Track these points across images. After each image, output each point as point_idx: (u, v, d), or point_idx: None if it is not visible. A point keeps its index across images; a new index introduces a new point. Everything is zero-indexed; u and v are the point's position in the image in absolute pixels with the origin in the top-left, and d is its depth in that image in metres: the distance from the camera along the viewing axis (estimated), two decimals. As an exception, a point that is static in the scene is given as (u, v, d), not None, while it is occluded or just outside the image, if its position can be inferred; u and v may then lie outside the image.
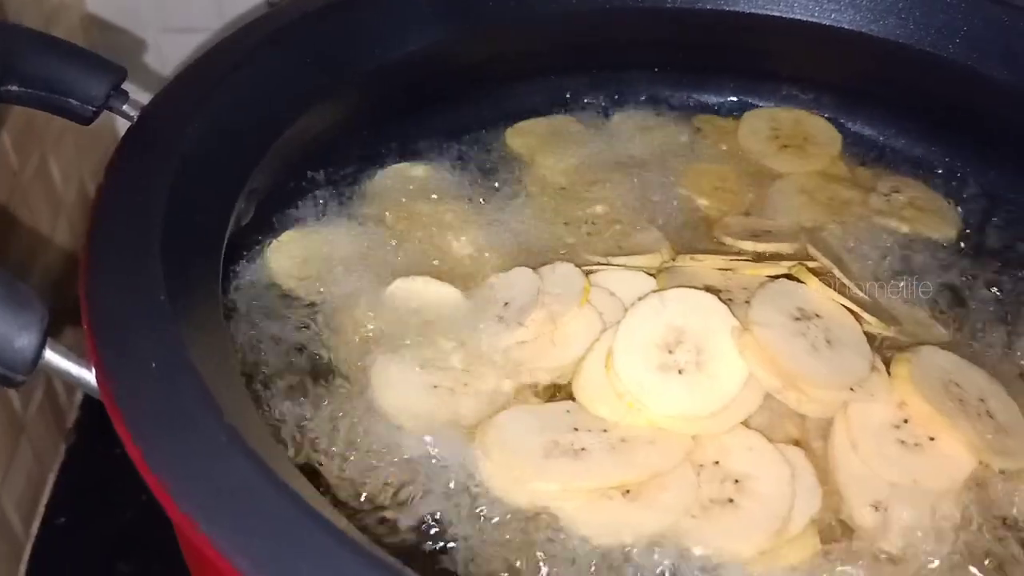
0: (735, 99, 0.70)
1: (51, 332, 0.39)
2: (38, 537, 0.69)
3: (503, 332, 0.50)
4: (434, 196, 0.60)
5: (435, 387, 0.48)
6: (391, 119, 0.63)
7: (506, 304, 0.52)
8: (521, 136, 0.66)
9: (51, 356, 0.38)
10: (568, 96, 0.69)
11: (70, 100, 0.48)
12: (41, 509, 0.71)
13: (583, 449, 0.45)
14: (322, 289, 0.53)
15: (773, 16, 0.66)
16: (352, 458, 0.45)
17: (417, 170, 0.62)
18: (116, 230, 0.43)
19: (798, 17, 0.66)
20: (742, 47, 0.69)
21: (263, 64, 0.54)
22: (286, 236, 0.55)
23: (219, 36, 0.81)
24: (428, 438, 0.46)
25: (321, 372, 0.49)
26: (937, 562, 0.43)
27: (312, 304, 0.52)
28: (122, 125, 0.50)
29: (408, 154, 0.63)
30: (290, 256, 0.54)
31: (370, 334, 0.51)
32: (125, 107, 0.50)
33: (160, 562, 0.68)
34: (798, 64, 0.69)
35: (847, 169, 0.65)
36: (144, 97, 0.51)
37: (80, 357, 0.39)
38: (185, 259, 0.44)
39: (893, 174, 0.64)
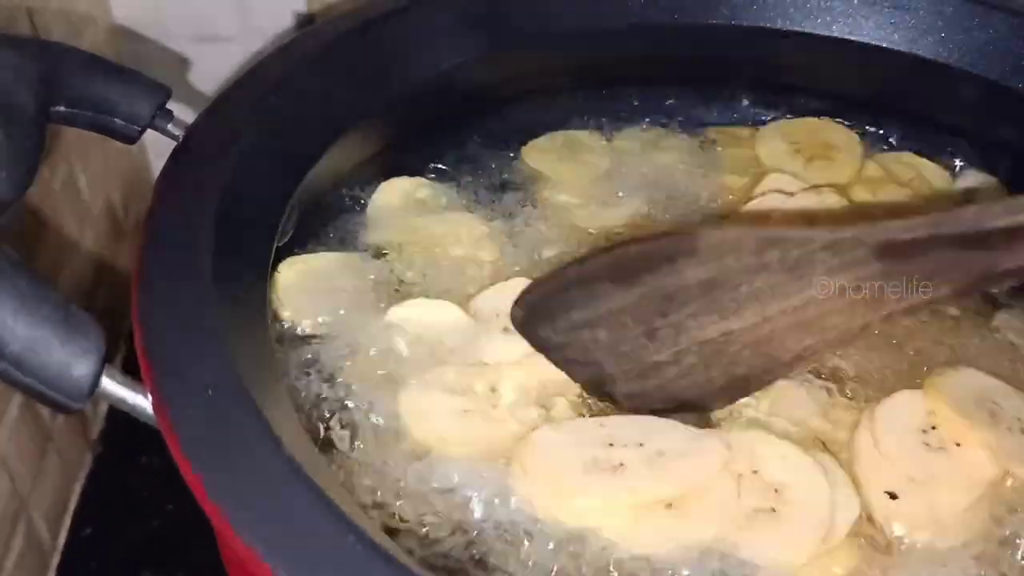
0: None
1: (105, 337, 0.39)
2: (65, 547, 0.70)
3: (511, 344, 0.51)
4: (446, 213, 0.60)
5: (465, 411, 0.49)
6: (416, 137, 0.63)
7: (498, 315, 0.52)
8: (538, 152, 0.66)
9: (108, 384, 0.39)
10: (581, 113, 0.69)
11: (115, 120, 0.48)
12: (68, 520, 0.71)
13: (621, 464, 0.45)
14: (329, 319, 0.52)
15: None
16: (399, 495, 0.45)
17: (426, 188, 0.62)
18: (166, 254, 0.44)
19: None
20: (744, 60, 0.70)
21: (302, 84, 0.55)
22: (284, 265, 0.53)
23: (245, 45, 0.82)
24: (468, 464, 0.46)
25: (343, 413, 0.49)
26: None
27: (319, 336, 0.52)
28: (150, 138, 0.50)
29: (420, 171, 0.63)
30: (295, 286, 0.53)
31: (384, 364, 0.50)
32: (170, 126, 0.50)
33: (186, 570, 0.69)
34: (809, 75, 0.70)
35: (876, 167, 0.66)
36: (176, 108, 0.51)
37: (135, 383, 0.40)
38: (234, 281, 0.45)
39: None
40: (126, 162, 0.83)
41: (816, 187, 0.63)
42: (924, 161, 0.67)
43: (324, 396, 0.49)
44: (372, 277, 0.55)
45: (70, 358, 0.37)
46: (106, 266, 0.78)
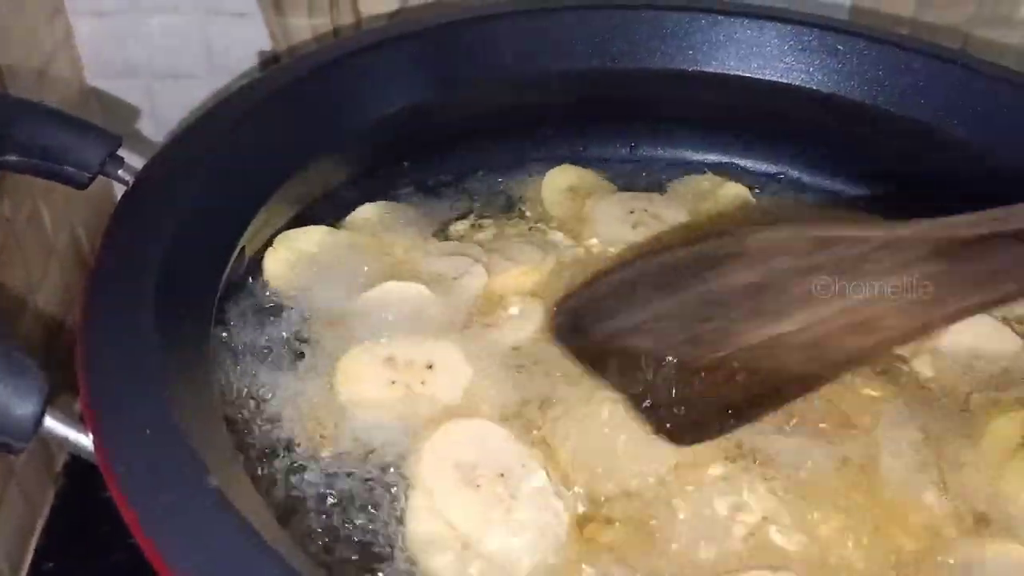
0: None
1: (48, 377, 0.42)
2: (27, 582, 0.72)
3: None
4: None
5: (392, 383, 0.54)
6: (373, 174, 0.68)
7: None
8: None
9: (51, 423, 0.42)
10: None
11: (66, 168, 0.51)
12: (30, 554, 0.73)
13: (479, 486, 0.49)
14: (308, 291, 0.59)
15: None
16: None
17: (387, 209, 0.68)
18: (111, 300, 0.47)
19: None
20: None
21: (253, 128, 0.58)
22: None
23: (211, 83, 0.86)
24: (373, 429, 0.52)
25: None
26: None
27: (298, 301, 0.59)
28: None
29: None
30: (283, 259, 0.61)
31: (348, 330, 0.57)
32: (120, 172, 0.53)
33: (146, 604, 0.71)
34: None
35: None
36: (140, 146, 0.54)
37: (78, 421, 0.43)
38: (178, 324, 0.48)
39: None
40: (90, 197, 0.86)
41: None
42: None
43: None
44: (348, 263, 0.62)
45: (11, 399, 0.40)
46: (72, 299, 0.81)
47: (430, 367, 0.55)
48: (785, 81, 0.68)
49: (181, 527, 0.39)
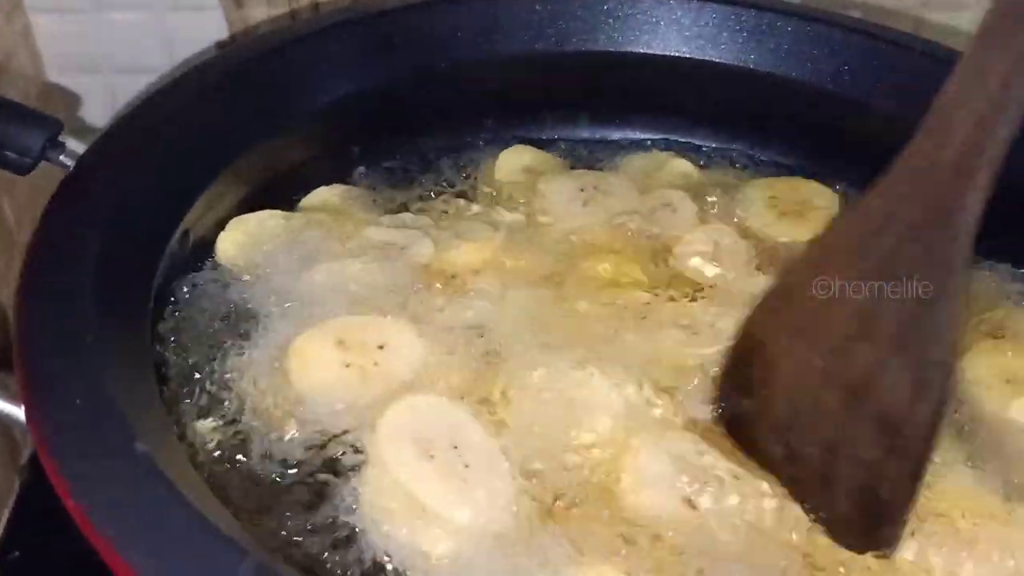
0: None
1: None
2: (-9, 573, 0.74)
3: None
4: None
5: (347, 365, 0.55)
6: (326, 157, 0.70)
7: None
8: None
9: (-17, 397, 0.44)
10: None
11: (7, 153, 0.53)
12: (-5, 545, 0.75)
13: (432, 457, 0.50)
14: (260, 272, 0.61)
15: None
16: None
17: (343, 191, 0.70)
18: (48, 277, 0.49)
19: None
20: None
21: (198, 111, 0.60)
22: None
23: (172, 76, 0.88)
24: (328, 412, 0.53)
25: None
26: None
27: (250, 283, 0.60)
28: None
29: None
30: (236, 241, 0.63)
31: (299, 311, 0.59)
32: (62, 158, 0.55)
33: (111, 593, 0.73)
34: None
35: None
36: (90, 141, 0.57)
37: (15, 397, 0.45)
38: (115, 302, 0.50)
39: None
40: (52, 190, 0.88)
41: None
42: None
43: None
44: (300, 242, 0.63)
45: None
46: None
47: (382, 347, 0.57)
48: (726, 61, 0.71)
49: (109, 492, 0.41)
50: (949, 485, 0.52)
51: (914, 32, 0.80)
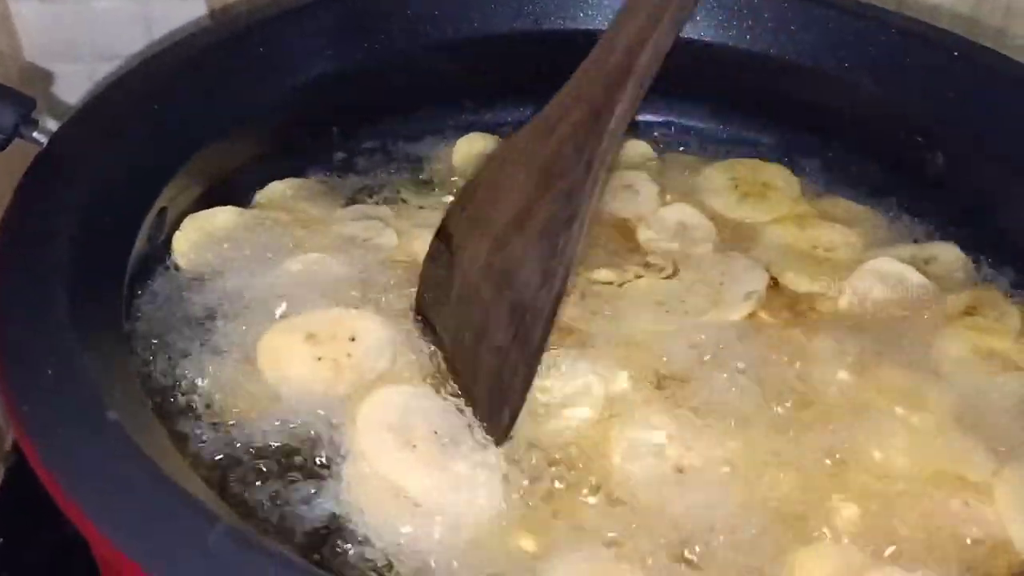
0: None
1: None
2: (-24, 559, 0.74)
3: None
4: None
5: (319, 359, 0.55)
6: (280, 152, 0.70)
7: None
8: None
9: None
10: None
11: (-22, 129, 0.53)
12: (-21, 531, 0.75)
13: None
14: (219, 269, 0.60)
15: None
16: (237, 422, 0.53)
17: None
18: (21, 251, 0.49)
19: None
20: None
21: (171, 92, 0.60)
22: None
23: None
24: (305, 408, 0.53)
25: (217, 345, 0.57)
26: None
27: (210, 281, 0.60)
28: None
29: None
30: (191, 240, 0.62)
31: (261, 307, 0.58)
32: (35, 134, 0.55)
33: (97, 577, 0.73)
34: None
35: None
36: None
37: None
38: (88, 278, 0.50)
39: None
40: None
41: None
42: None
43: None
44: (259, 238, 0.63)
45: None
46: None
47: (353, 339, 0.57)
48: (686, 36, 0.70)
49: (80, 459, 0.41)
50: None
51: (896, 9, 0.81)
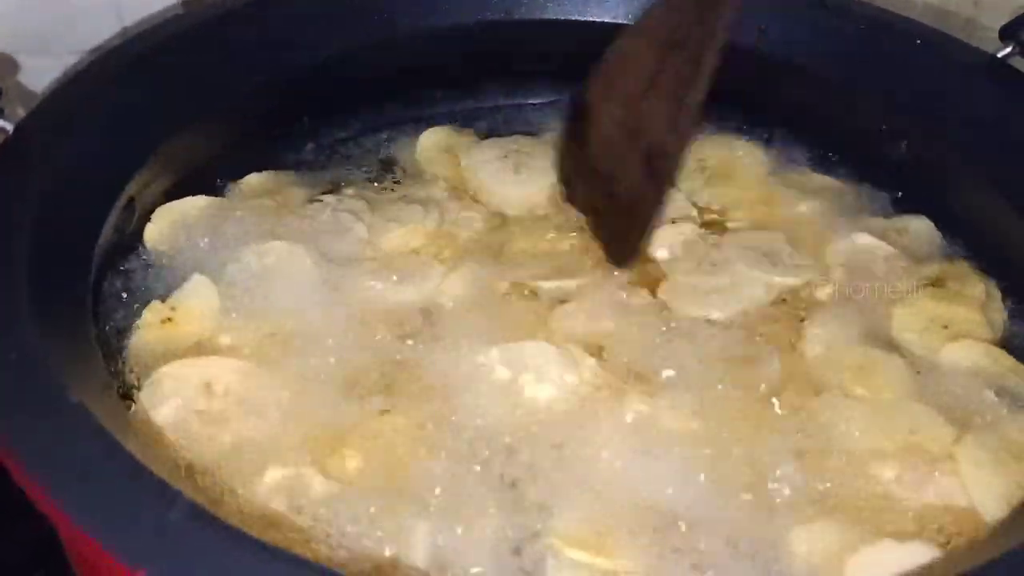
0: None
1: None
2: (-46, 553, 0.74)
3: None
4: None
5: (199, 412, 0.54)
6: (251, 144, 0.71)
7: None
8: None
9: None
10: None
11: (-59, 116, 0.54)
12: (-42, 525, 0.76)
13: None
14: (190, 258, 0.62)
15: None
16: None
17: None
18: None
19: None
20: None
21: (137, 81, 0.61)
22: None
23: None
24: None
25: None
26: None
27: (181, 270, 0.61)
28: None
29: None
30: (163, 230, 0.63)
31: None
32: (1, 123, 0.56)
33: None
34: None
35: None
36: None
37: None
38: (52, 266, 0.50)
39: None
40: None
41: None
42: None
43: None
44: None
45: None
46: None
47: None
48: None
49: (42, 440, 0.42)
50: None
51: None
